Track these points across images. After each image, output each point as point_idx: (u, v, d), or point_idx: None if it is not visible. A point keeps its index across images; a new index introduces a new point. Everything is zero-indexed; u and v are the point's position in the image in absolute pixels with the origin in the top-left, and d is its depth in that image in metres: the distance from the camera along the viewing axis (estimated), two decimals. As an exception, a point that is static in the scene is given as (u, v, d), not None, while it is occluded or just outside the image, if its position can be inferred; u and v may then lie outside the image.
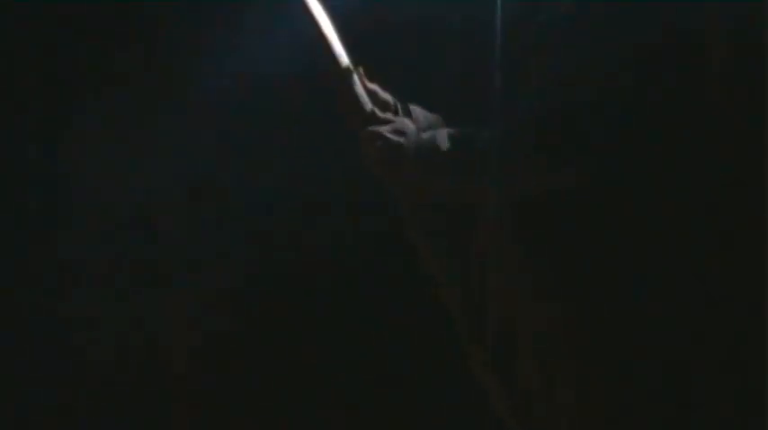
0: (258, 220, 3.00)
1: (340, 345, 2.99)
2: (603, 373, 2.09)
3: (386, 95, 2.26)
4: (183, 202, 3.03)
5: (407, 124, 2.19)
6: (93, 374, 3.03)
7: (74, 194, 3.04)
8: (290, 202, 2.98)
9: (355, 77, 2.20)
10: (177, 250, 3.05)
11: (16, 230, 3.00)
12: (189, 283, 3.02)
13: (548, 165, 2.06)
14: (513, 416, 2.17)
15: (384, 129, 2.16)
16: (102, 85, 2.99)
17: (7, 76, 2.98)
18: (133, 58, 2.97)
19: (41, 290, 3.05)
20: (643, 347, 2.08)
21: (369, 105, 2.19)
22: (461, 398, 2.46)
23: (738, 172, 2.12)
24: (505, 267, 2.13)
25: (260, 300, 3.01)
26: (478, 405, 2.23)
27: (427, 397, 2.91)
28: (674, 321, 2.10)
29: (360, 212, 2.90)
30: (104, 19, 2.96)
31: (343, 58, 2.20)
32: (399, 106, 2.26)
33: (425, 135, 2.17)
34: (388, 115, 2.21)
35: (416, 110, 2.27)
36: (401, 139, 2.15)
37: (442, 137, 2.15)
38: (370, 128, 2.17)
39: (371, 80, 2.24)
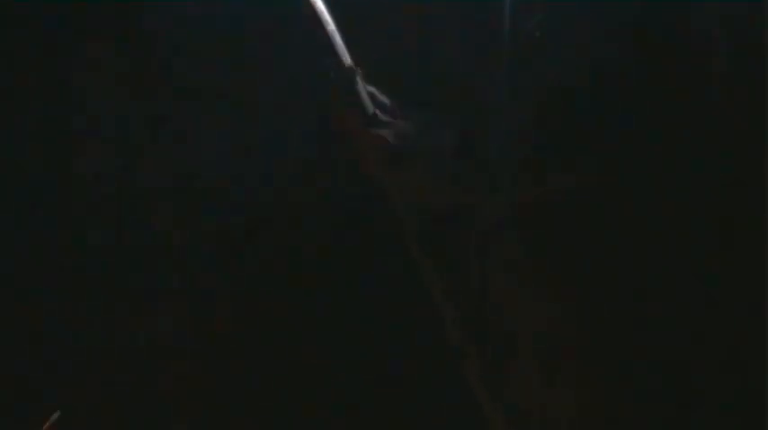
0: (257, 220, 3.00)
1: (340, 345, 2.98)
2: (603, 373, 2.09)
3: (383, 98, 2.26)
4: (183, 202, 3.03)
5: (408, 127, 2.19)
6: (92, 374, 3.02)
7: (72, 192, 3.04)
8: (290, 202, 2.98)
9: (358, 77, 2.20)
10: (177, 250, 3.05)
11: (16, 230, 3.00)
12: (189, 284, 3.02)
13: (549, 167, 2.06)
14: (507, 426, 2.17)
15: (386, 133, 2.16)
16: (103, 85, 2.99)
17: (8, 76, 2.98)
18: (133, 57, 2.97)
19: (41, 289, 3.05)
20: (643, 347, 2.08)
21: (371, 107, 2.19)
22: (462, 399, 2.46)
23: (738, 172, 2.12)
24: (506, 268, 2.13)
25: (259, 299, 3.01)
26: (478, 405, 2.23)
27: (428, 397, 2.91)
28: (674, 321, 2.10)
29: (359, 212, 2.90)
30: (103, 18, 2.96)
31: (346, 57, 2.20)
32: (397, 109, 2.26)
33: (426, 138, 2.17)
34: (388, 118, 2.21)
35: (414, 112, 2.26)
36: (403, 143, 2.15)
37: (443, 139, 2.15)
38: (372, 130, 2.16)
39: (368, 82, 2.24)
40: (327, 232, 2.97)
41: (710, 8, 2.07)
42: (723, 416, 2.09)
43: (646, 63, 2.05)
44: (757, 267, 2.09)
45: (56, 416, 2.70)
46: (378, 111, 2.19)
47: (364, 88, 2.20)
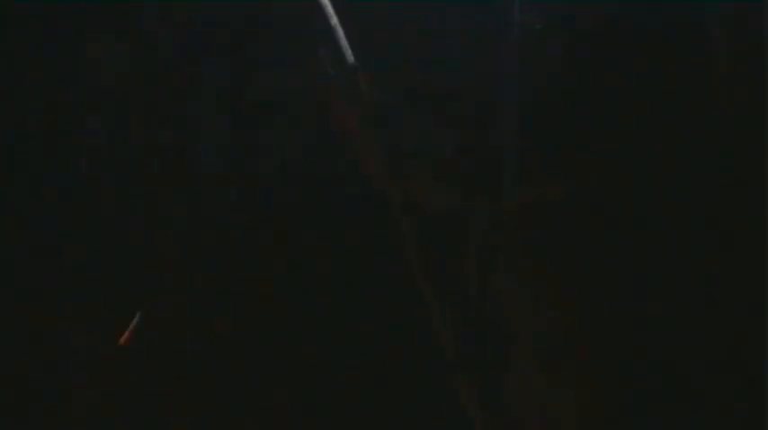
0: (257, 220, 3.00)
1: (337, 346, 2.98)
2: (604, 373, 2.09)
3: (384, 96, 2.24)
4: (183, 202, 3.03)
5: (409, 127, 2.18)
6: (91, 373, 3.02)
7: (73, 193, 3.04)
8: (290, 201, 2.98)
9: (359, 75, 2.17)
10: (177, 250, 3.05)
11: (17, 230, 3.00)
12: (188, 284, 3.01)
13: (550, 168, 2.06)
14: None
15: (386, 133, 2.14)
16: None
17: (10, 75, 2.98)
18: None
19: (41, 290, 3.05)
20: (643, 347, 2.08)
21: (372, 106, 2.17)
22: (455, 401, 2.45)
23: (738, 172, 2.12)
24: (506, 269, 2.13)
25: (259, 299, 3.01)
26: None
27: (428, 397, 2.91)
28: (674, 321, 2.10)
29: (360, 211, 2.89)
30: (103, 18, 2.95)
31: (349, 53, 2.16)
32: (398, 108, 2.25)
33: (427, 139, 2.16)
34: (389, 117, 2.20)
35: (414, 112, 2.25)
36: (403, 143, 2.14)
37: (443, 140, 2.14)
38: (373, 130, 2.15)
39: (370, 80, 2.23)
40: (326, 232, 2.97)
41: (711, 8, 2.07)
42: (723, 417, 2.09)
43: (647, 63, 2.05)
44: (757, 267, 2.09)
45: (137, 320, 2.62)
46: (378, 111, 2.17)
47: (366, 86, 2.18)
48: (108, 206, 3.05)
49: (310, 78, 2.41)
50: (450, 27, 2.69)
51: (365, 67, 2.22)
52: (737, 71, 2.10)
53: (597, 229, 2.08)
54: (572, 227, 2.08)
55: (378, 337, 2.98)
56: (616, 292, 2.08)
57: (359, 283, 2.99)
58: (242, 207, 3.02)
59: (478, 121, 2.15)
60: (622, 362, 2.08)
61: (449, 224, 2.22)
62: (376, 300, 2.98)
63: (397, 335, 2.95)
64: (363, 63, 2.21)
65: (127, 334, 2.59)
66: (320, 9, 2.14)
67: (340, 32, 2.15)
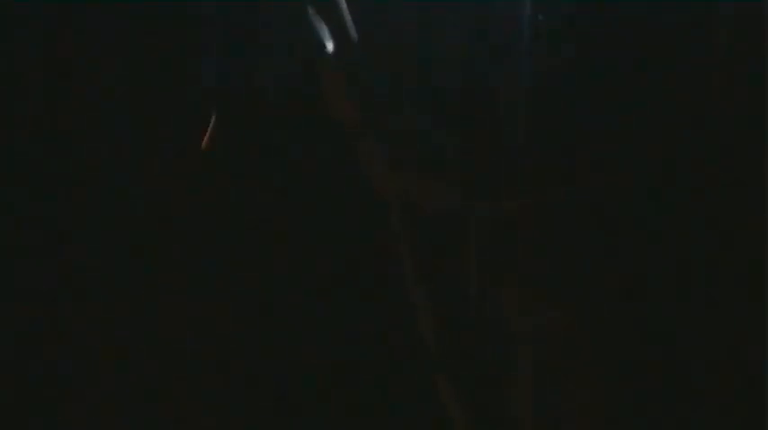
0: (257, 219, 3.00)
1: (340, 345, 2.98)
2: (605, 376, 2.09)
3: (384, 89, 2.18)
4: (184, 202, 3.03)
5: (409, 125, 2.15)
6: (92, 373, 3.02)
7: (75, 195, 3.04)
8: (290, 201, 2.98)
9: (364, 56, 2.06)
10: (177, 250, 3.05)
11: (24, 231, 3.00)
12: (189, 284, 3.01)
13: (553, 171, 2.05)
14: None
15: (386, 129, 2.09)
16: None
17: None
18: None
19: (42, 289, 3.05)
20: (644, 347, 2.08)
21: (373, 92, 2.07)
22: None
23: (738, 172, 2.12)
24: (506, 271, 2.12)
25: (260, 299, 3.01)
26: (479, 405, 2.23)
27: (429, 397, 2.91)
28: (675, 321, 2.10)
29: (360, 211, 2.89)
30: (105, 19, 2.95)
31: (353, 32, 2.06)
32: (398, 103, 2.21)
33: (427, 138, 2.14)
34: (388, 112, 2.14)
35: (415, 110, 2.23)
36: (403, 141, 2.12)
37: (444, 139, 2.13)
38: (374, 125, 2.08)
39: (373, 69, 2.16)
40: (323, 233, 2.97)
41: (711, 8, 2.07)
42: (723, 417, 2.09)
43: (646, 62, 2.05)
44: (757, 267, 2.09)
45: (213, 122, 2.53)
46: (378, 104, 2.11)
47: (369, 73, 2.10)
48: (107, 204, 3.05)
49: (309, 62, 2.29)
50: (453, 23, 2.68)
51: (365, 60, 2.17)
52: (737, 71, 2.10)
53: (598, 230, 2.08)
54: (574, 227, 2.08)
55: (370, 339, 2.98)
56: (618, 293, 2.08)
57: (352, 283, 2.99)
58: (241, 205, 3.02)
59: (480, 121, 2.14)
60: (622, 362, 2.08)
61: (447, 224, 2.21)
62: (370, 300, 2.98)
63: (388, 337, 2.95)
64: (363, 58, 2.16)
65: (207, 136, 2.47)
66: None
67: (343, 5, 2.04)
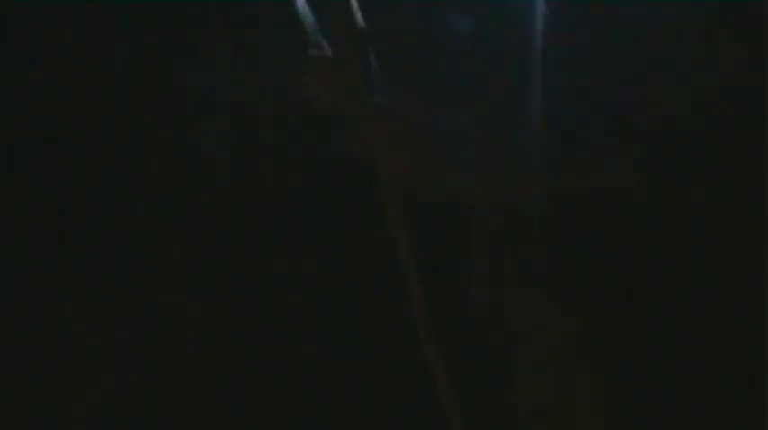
0: (257, 218, 3.00)
1: (340, 345, 2.98)
2: (605, 375, 2.08)
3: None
4: (185, 202, 3.03)
5: (414, 108, 2.06)
6: (92, 372, 3.02)
7: (71, 193, 3.04)
8: (291, 201, 2.98)
9: (369, 43, 1.99)
10: (178, 250, 3.05)
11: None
12: (188, 284, 3.02)
13: (583, 163, 2.04)
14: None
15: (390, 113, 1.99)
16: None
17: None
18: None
19: (44, 289, 3.05)
20: (645, 348, 2.08)
21: (378, 77, 2.00)
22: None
23: (738, 172, 2.12)
24: (522, 269, 2.11)
25: (259, 300, 3.01)
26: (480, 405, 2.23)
27: (427, 397, 2.91)
28: (675, 322, 2.10)
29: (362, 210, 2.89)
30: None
31: (358, 16, 1.99)
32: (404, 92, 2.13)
33: (432, 126, 2.09)
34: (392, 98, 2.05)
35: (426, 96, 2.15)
36: (410, 129, 2.04)
37: (457, 124, 2.08)
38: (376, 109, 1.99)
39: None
40: (323, 232, 2.97)
41: (712, 8, 2.07)
42: (723, 417, 2.09)
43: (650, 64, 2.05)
44: (757, 267, 2.09)
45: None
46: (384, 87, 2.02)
47: (373, 59, 2.02)
48: (107, 204, 3.05)
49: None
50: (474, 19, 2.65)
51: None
52: (738, 71, 2.10)
53: (599, 228, 2.08)
54: (577, 231, 2.08)
55: (379, 337, 2.98)
56: (618, 293, 2.08)
57: (352, 281, 2.99)
58: (242, 204, 3.02)
59: (501, 118, 2.11)
60: (622, 362, 2.08)
61: (449, 212, 2.19)
62: (378, 298, 2.97)
63: (398, 336, 2.95)
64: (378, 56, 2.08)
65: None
66: None
67: None
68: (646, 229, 2.08)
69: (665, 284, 2.10)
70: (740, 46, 2.10)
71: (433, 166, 2.10)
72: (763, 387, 2.07)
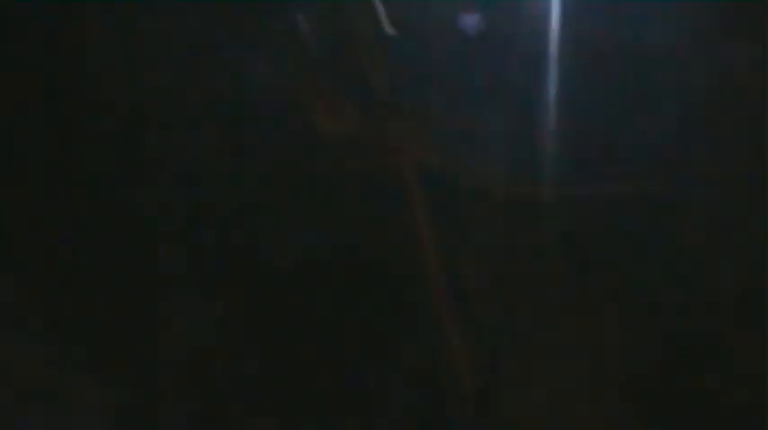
0: (257, 219, 3.00)
1: (340, 345, 2.98)
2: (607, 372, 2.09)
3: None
4: (184, 202, 3.03)
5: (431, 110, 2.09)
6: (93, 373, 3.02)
7: (72, 193, 3.04)
8: (290, 201, 2.98)
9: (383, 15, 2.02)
10: (179, 252, 3.05)
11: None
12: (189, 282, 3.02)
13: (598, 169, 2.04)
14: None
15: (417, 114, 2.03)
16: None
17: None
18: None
19: (43, 289, 3.04)
20: (645, 347, 2.08)
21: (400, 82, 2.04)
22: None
23: (738, 172, 2.12)
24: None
25: (261, 299, 3.01)
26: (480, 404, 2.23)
27: (428, 396, 2.91)
28: (675, 322, 2.10)
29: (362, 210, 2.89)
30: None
31: (387, 25, 2.04)
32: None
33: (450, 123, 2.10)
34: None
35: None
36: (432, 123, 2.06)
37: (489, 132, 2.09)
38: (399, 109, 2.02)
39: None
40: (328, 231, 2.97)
41: (712, 9, 2.07)
42: (723, 417, 2.10)
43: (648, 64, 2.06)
44: (757, 267, 2.09)
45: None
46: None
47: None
48: (108, 207, 3.05)
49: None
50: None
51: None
52: (738, 71, 2.11)
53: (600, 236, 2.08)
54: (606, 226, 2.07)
55: (380, 336, 2.98)
56: (619, 293, 2.09)
57: (361, 282, 2.99)
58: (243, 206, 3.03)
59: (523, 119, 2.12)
60: (622, 361, 2.09)
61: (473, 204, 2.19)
62: (379, 298, 2.97)
63: (400, 334, 2.95)
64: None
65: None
66: None
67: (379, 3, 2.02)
68: (647, 230, 2.09)
69: (664, 285, 2.11)
70: (740, 46, 2.10)
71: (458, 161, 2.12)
72: (763, 386, 2.08)
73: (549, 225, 2.13)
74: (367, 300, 2.92)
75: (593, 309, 2.12)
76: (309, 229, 2.94)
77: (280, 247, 2.99)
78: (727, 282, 2.12)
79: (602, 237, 2.11)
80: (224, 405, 3.03)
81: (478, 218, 2.22)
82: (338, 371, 2.93)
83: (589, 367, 2.13)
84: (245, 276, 3.01)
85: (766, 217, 2.09)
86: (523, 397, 2.20)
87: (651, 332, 2.11)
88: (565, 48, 2.11)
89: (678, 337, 2.11)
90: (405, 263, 2.62)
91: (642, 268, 2.12)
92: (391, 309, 2.86)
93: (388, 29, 2.03)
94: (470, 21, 2.23)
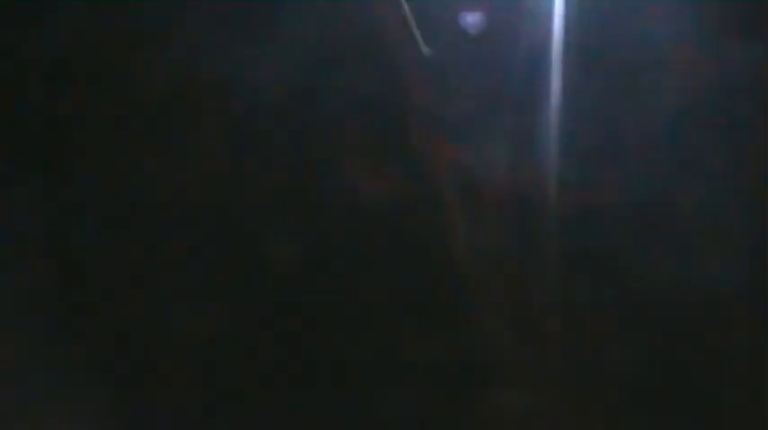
0: (257, 219, 3.00)
1: (340, 345, 2.98)
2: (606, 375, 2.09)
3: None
4: (185, 203, 3.03)
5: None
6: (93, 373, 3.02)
7: (72, 193, 3.04)
8: (291, 201, 2.98)
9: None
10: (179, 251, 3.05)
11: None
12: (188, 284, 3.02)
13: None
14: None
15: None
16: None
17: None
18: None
19: (43, 289, 3.04)
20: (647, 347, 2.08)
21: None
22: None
23: (738, 171, 2.12)
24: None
25: (260, 299, 3.01)
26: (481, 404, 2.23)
27: (427, 397, 2.91)
28: (675, 322, 2.10)
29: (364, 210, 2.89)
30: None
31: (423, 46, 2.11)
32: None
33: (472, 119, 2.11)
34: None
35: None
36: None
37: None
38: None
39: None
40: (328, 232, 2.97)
41: (713, 10, 2.07)
42: (724, 417, 2.10)
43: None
44: (758, 266, 2.09)
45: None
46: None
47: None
48: (108, 207, 3.05)
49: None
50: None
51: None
52: (738, 71, 2.11)
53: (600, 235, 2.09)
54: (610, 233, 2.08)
55: (380, 337, 2.98)
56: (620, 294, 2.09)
57: (360, 282, 2.99)
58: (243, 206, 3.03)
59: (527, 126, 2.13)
60: (622, 361, 2.09)
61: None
62: (378, 299, 2.97)
63: (399, 335, 2.95)
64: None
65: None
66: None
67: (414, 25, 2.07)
68: (648, 230, 2.09)
69: (665, 285, 2.11)
70: (742, 46, 2.10)
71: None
72: (763, 386, 2.08)
73: (549, 225, 2.13)
74: (368, 299, 2.92)
75: (593, 309, 2.12)
76: (309, 230, 2.94)
77: (280, 247, 2.99)
78: (727, 281, 2.12)
79: (602, 237, 2.12)
80: (224, 405, 3.03)
81: (478, 217, 2.23)
82: (338, 370, 2.93)
83: (589, 367, 2.13)
84: (245, 276, 3.01)
85: (766, 217, 2.09)
86: (523, 397, 2.20)
87: (651, 332, 2.11)
88: (565, 47, 2.12)
89: (678, 337, 2.11)
90: (407, 262, 2.62)
91: (642, 268, 2.12)
92: (394, 309, 2.86)
93: (423, 47, 2.09)
94: (471, 19, 2.24)
